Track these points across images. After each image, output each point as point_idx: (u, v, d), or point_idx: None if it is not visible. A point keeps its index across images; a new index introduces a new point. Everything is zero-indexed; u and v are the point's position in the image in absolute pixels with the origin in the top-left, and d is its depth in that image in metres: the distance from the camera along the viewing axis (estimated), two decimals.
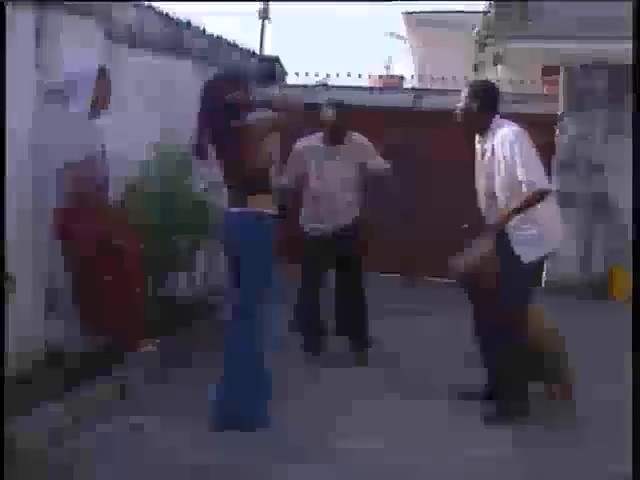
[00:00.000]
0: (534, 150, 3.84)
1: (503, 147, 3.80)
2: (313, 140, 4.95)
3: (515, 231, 3.85)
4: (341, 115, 4.82)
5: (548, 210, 3.91)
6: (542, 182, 3.79)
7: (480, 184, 4.07)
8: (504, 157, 3.80)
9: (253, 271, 3.76)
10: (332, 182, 4.85)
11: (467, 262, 3.99)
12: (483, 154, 3.98)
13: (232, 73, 4.01)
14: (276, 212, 3.83)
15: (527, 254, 3.84)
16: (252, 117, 3.72)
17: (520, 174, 3.74)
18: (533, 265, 3.91)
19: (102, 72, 4.20)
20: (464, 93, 4.01)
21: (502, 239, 3.86)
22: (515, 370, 3.98)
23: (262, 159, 3.73)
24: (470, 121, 4.00)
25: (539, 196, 3.77)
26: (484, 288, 3.96)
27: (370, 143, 4.97)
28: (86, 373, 4.01)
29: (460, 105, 4.01)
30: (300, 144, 5.01)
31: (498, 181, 3.88)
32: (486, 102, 3.96)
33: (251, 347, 3.77)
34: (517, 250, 3.84)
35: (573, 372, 4.21)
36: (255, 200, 3.71)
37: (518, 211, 3.79)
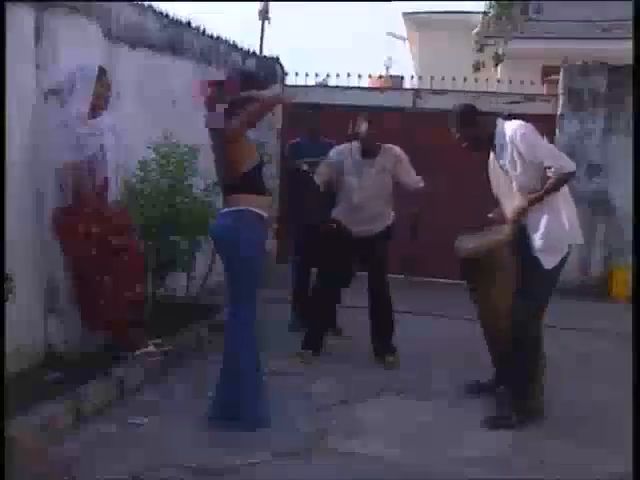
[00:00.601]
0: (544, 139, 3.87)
1: (516, 141, 3.79)
2: (349, 150, 4.96)
3: (535, 234, 3.83)
4: (374, 128, 4.84)
5: (567, 206, 3.90)
6: (569, 164, 3.80)
7: (498, 185, 4.05)
8: (519, 151, 3.79)
9: (239, 271, 3.78)
10: (366, 193, 4.87)
11: (474, 245, 4.02)
12: (496, 155, 3.96)
13: (244, 75, 3.98)
14: (266, 213, 3.84)
15: (548, 261, 3.81)
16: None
17: (547, 161, 3.74)
18: (555, 270, 3.86)
19: (102, 72, 4.20)
20: (451, 126, 4.01)
21: (523, 244, 3.85)
22: (524, 370, 3.98)
23: (245, 160, 3.73)
24: (475, 140, 4.00)
25: (565, 179, 3.78)
26: (485, 275, 3.98)
27: (405, 156, 4.97)
28: (86, 373, 4.01)
29: (456, 136, 4.01)
30: (335, 153, 5.02)
31: (515, 178, 3.87)
32: (474, 118, 3.99)
33: (246, 347, 3.78)
34: (539, 256, 3.81)
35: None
36: (244, 200, 3.73)
37: (540, 198, 3.79)
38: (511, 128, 3.84)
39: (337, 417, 3.99)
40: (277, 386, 4.34)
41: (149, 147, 4.94)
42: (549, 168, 3.74)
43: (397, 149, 4.97)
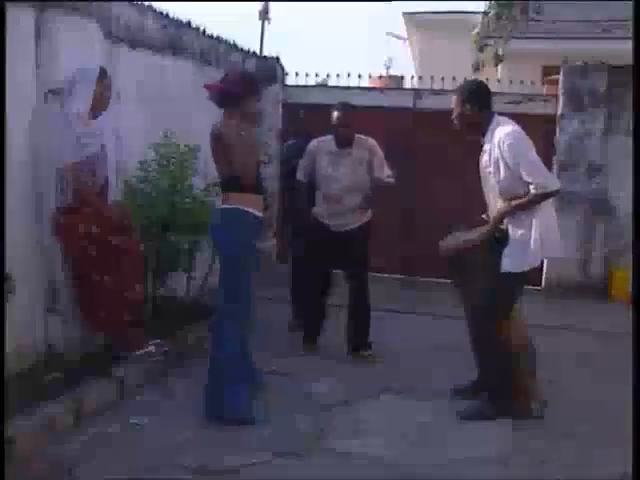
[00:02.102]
0: (534, 150, 3.82)
1: (502, 148, 3.77)
2: (326, 141, 4.97)
3: (510, 242, 3.83)
4: (349, 117, 4.83)
5: (547, 219, 3.86)
6: (552, 183, 3.77)
7: (484, 184, 4.05)
8: (504, 159, 3.77)
9: (224, 269, 3.86)
10: (342, 184, 4.87)
11: (453, 245, 4.05)
12: (484, 154, 3.96)
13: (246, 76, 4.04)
14: (260, 212, 3.87)
15: (507, 264, 3.81)
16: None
17: (527, 176, 3.71)
18: (514, 276, 3.85)
19: (103, 73, 4.19)
20: (456, 97, 3.99)
21: (496, 252, 3.86)
22: (497, 369, 4.00)
23: (238, 159, 3.75)
24: (468, 123, 3.96)
25: (546, 196, 3.76)
26: (467, 273, 4.01)
27: (380, 150, 4.95)
28: (86, 373, 4.01)
29: (455, 110, 3.97)
30: (314, 143, 5.05)
31: (498, 182, 3.87)
32: (479, 101, 3.93)
33: (228, 346, 3.82)
34: (502, 260, 3.81)
35: (529, 372, 4.12)
36: (237, 199, 3.77)
37: (520, 208, 3.79)
38: (503, 133, 3.79)
39: (337, 417, 3.99)
40: (277, 386, 4.35)
41: (149, 147, 4.94)
42: (530, 184, 3.72)
43: (372, 141, 4.95)
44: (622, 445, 3.42)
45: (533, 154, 3.79)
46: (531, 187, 3.72)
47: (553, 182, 3.80)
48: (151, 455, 3.39)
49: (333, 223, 4.94)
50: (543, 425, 3.96)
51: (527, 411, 4.02)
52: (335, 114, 4.85)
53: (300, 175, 5.11)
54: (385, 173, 4.92)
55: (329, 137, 4.96)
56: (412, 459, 3.50)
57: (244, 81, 3.87)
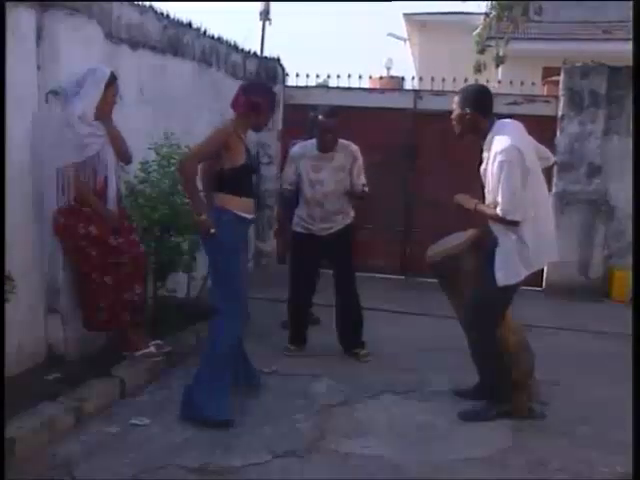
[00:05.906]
0: (518, 176, 3.72)
1: (494, 163, 3.76)
2: (308, 145, 4.95)
3: (499, 252, 3.83)
4: (334, 122, 4.80)
5: (540, 225, 3.85)
6: (517, 215, 3.73)
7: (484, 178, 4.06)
8: (492, 172, 3.79)
9: (210, 270, 3.93)
10: (325, 188, 4.86)
11: (440, 251, 4.08)
12: (482, 161, 3.95)
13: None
14: (250, 215, 3.92)
15: (502, 279, 3.81)
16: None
17: (499, 197, 3.73)
18: (506, 289, 3.86)
19: (113, 78, 4.18)
20: (457, 98, 3.95)
21: (487, 255, 3.87)
22: (496, 371, 4.01)
23: (226, 159, 3.79)
24: (465, 125, 3.91)
25: (505, 222, 3.77)
26: (457, 279, 4.02)
27: (361, 156, 4.92)
28: (86, 373, 4.01)
29: (454, 111, 3.94)
30: (296, 148, 5.03)
31: (487, 192, 3.90)
32: (479, 105, 3.88)
33: (215, 347, 3.84)
34: (496, 272, 3.82)
35: (528, 372, 4.11)
36: (224, 200, 3.83)
37: (481, 213, 3.86)
38: (499, 147, 3.73)
39: (337, 417, 4.00)
40: (277, 386, 4.35)
41: (150, 148, 4.94)
42: (498, 204, 3.74)
43: (354, 147, 4.92)
44: (622, 445, 3.43)
45: (517, 179, 3.71)
46: (497, 207, 3.75)
47: (517, 214, 3.74)
48: (151, 455, 3.39)
49: (317, 227, 4.94)
50: (543, 425, 3.96)
51: (527, 411, 4.02)
52: (320, 119, 4.80)
53: (285, 183, 5.06)
54: (361, 181, 4.91)
55: (311, 141, 4.94)
56: (412, 459, 3.50)
57: (270, 96, 3.97)
